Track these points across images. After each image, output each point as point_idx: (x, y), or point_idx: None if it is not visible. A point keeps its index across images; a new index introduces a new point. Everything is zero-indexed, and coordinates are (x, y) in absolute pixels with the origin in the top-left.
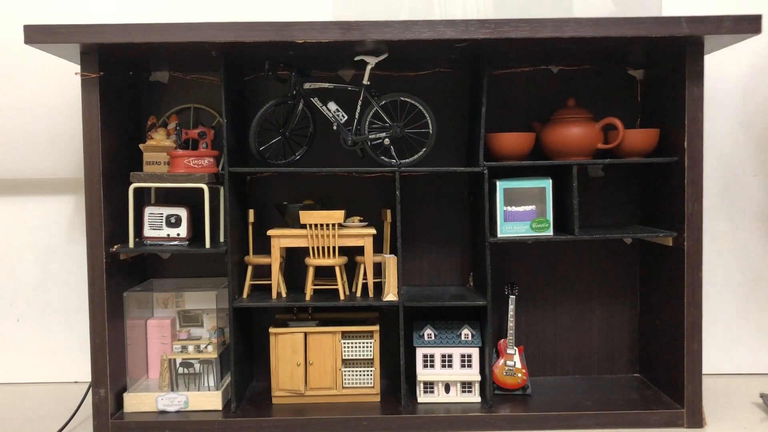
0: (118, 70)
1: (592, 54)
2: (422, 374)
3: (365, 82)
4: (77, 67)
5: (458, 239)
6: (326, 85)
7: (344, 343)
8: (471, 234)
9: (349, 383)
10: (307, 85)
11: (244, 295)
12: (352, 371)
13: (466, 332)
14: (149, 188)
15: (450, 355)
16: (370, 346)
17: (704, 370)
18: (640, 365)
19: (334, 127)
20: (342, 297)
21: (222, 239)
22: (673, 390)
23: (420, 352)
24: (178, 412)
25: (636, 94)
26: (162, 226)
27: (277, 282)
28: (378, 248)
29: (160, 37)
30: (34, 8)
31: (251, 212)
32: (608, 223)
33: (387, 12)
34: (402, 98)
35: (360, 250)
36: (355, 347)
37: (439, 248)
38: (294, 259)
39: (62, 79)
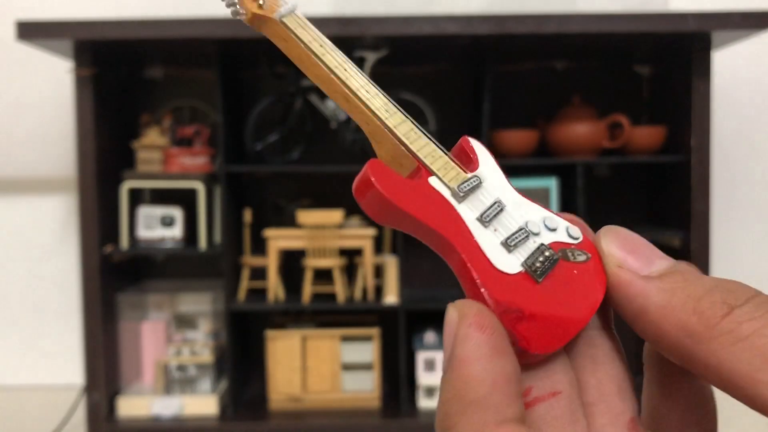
0: (111, 67)
1: (597, 50)
2: (423, 378)
3: None
4: (69, 64)
5: None
6: None
7: (343, 346)
8: None
9: (348, 387)
10: (305, 82)
11: (241, 298)
12: (352, 375)
13: None
14: (143, 188)
15: None
16: (370, 350)
17: None
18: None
19: (333, 125)
20: (341, 299)
21: (218, 240)
22: None
23: (421, 356)
24: (173, 416)
25: (642, 91)
26: (156, 227)
27: (274, 284)
28: (378, 249)
29: (155, 32)
30: (25, 3)
31: (248, 212)
32: (614, 223)
33: (387, 6)
34: (402, 95)
35: (359, 252)
36: (355, 351)
37: None
38: (292, 260)
39: (53, 75)
